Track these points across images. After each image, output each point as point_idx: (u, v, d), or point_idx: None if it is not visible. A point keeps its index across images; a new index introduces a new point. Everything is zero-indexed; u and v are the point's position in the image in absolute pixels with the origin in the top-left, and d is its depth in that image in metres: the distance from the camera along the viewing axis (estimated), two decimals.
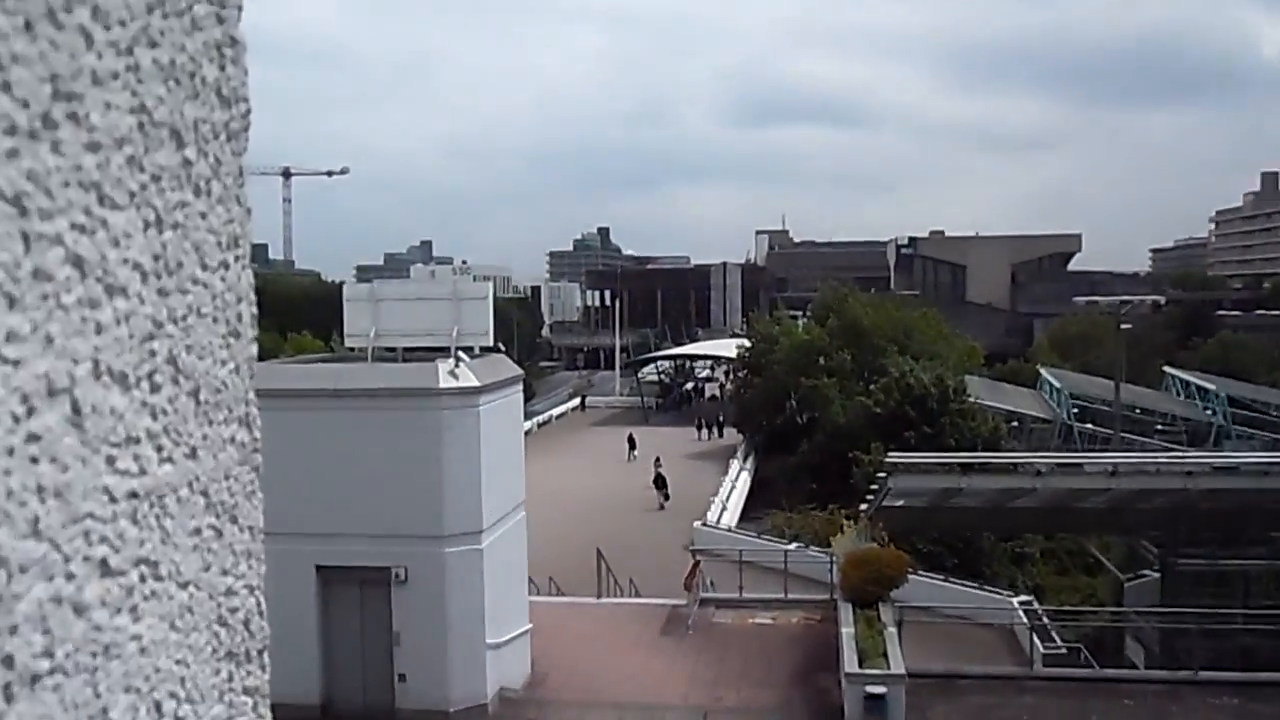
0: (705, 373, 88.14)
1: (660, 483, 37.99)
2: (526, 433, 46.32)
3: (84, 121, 0.63)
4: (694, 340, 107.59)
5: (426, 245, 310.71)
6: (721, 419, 56.29)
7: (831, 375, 47.36)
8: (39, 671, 0.58)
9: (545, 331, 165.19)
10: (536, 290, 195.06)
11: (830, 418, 44.48)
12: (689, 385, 79.57)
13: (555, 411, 66.21)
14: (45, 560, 0.57)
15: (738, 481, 41.83)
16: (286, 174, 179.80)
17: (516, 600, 16.14)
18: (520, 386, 16.13)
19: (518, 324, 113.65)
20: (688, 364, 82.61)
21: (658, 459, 41.08)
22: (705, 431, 55.76)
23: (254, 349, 0.82)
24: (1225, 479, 20.04)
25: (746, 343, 57.26)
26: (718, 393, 75.85)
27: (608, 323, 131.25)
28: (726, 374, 77.03)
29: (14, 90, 0.57)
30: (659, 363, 76.77)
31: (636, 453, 47.04)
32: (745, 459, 47.11)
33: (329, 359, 17.28)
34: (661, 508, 37.14)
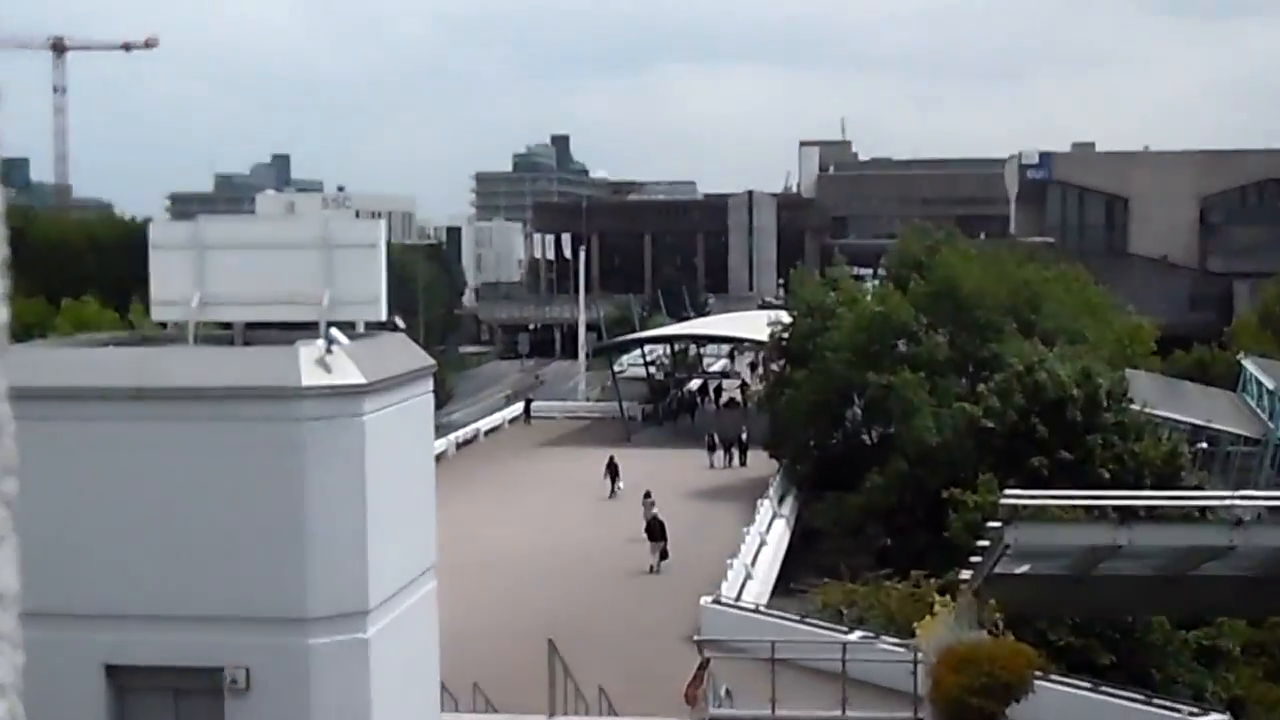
0: (720, 364, 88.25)
1: (656, 532, 38.15)
2: (439, 456, 45.81)
3: None
4: (702, 313, 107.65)
5: (281, 162, 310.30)
6: (746, 436, 56.43)
7: (918, 368, 47.55)
8: None
9: (469, 298, 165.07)
10: (455, 234, 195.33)
11: (915, 434, 44.70)
12: (695, 384, 79.66)
13: (485, 424, 66.15)
14: None
15: (770, 534, 41.97)
16: (58, 48, 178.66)
17: (422, 719, 16.13)
18: (429, 385, 16.12)
19: (426, 287, 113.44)
20: (693, 350, 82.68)
21: (648, 496, 41.22)
22: (721, 455, 55.97)
23: (3, 315, 0.81)
24: None
25: (785, 317, 57.39)
26: (739, 396, 75.97)
27: (566, 285, 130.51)
28: (753, 366, 77.19)
29: None
30: (648, 348, 76.80)
31: (621, 485, 47.42)
32: (782, 499, 47.23)
33: (126, 340, 17.18)
34: (653, 570, 37.40)
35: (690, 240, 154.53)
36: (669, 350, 78.46)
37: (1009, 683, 17.85)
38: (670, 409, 70.91)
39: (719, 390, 79.49)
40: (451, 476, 45.63)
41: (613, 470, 48.47)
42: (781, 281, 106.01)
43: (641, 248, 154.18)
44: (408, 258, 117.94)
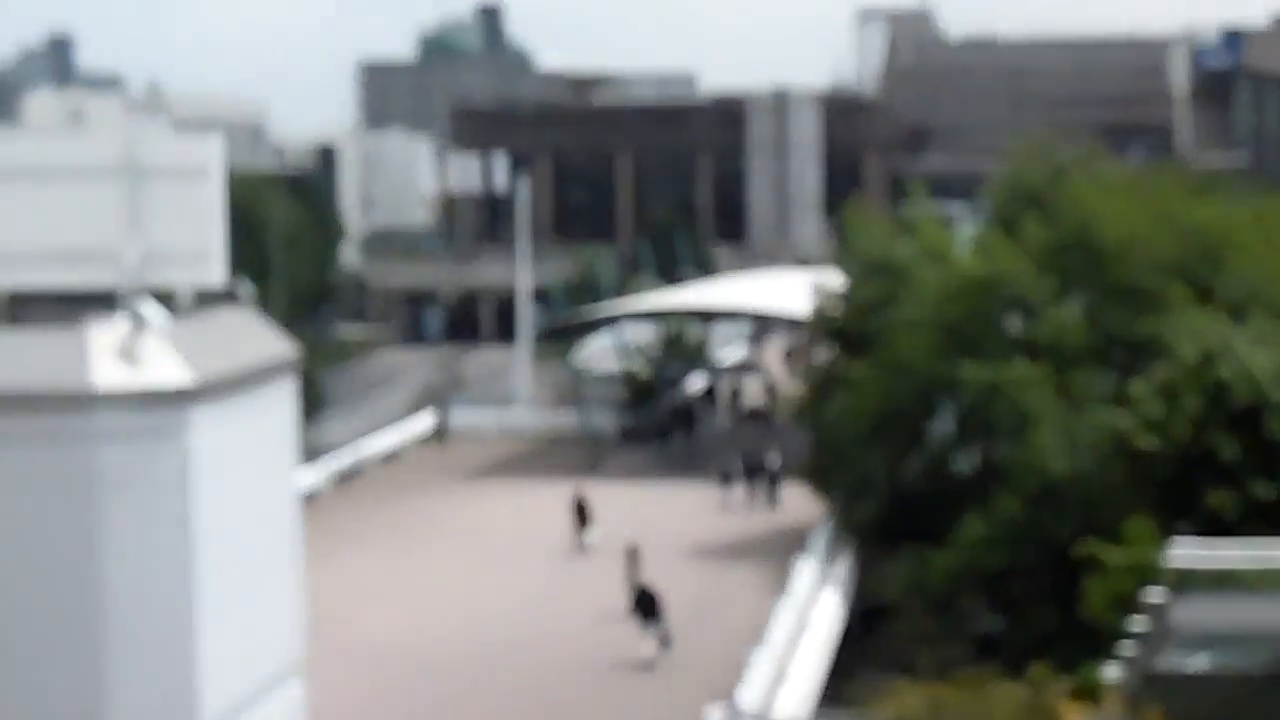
0: (737, 352, 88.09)
1: (647, 606, 38.33)
2: (309, 496, 45.46)
3: None
4: (707, 273, 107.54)
5: (61, 48, 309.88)
6: (778, 466, 56.43)
7: (1038, 358, 47.72)
8: None
9: (351, 254, 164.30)
10: (329, 156, 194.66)
11: (1034, 459, 44.68)
12: (698, 383, 79.59)
13: (377, 446, 66.47)
14: None
15: (815, 610, 42.29)
16: None
17: None
18: (291, 385, 16.10)
19: (286, 237, 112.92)
20: (696, 332, 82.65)
21: (634, 553, 41.62)
22: (740, 491, 56.47)
23: None
24: None
25: (835, 281, 57.36)
26: (766, 401, 75.86)
27: (500, 232, 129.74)
28: (788, 357, 77.02)
29: None
30: (625, 328, 76.77)
31: (593, 536, 48.05)
32: (831, 558, 47.43)
33: None
34: (652, 666, 37.61)
35: (689, 164, 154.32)
36: (664, 334, 78.23)
37: None
38: (662, 421, 70.91)
39: (735, 393, 79.56)
40: (328, 525, 45.40)
41: (580, 514, 48.46)
42: (831, 226, 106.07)
43: (614, 174, 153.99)
44: (257, 192, 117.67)
